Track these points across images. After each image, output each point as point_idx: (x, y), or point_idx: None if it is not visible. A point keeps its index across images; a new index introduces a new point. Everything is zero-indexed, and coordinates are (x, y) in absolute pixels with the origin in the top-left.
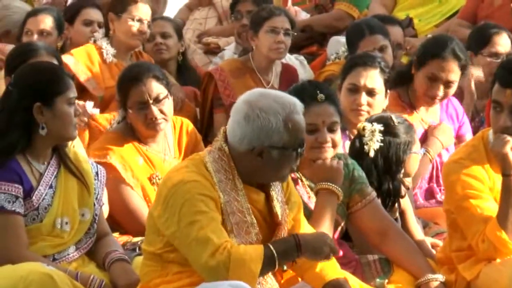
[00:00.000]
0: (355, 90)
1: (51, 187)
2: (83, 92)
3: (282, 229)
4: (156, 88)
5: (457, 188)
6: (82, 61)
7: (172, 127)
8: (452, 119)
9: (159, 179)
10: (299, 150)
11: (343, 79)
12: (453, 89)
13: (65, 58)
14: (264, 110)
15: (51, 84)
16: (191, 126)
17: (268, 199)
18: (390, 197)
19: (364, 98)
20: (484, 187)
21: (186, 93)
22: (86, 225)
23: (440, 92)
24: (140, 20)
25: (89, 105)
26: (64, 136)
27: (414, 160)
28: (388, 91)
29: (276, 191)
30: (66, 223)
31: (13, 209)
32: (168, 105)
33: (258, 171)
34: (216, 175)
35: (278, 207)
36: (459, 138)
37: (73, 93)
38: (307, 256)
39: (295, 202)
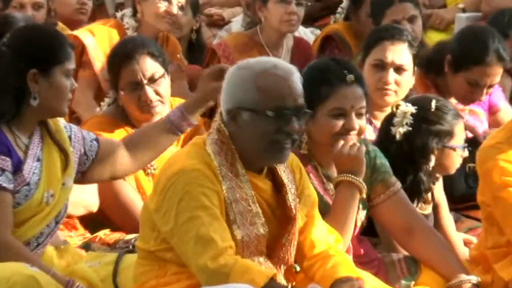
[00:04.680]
0: (382, 66)
1: (38, 160)
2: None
3: (296, 224)
4: (151, 66)
5: (494, 176)
6: (102, 47)
7: (169, 109)
8: None
9: (154, 169)
10: (269, 114)
11: (366, 54)
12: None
13: (84, 36)
14: (240, 67)
15: (52, 51)
16: None
17: (277, 190)
18: (413, 191)
19: (391, 75)
20: None
21: (194, 74)
22: (68, 192)
23: (483, 96)
24: (168, 0)
25: None
26: (56, 111)
27: (453, 156)
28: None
29: (288, 182)
30: (52, 195)
31: None
32: (164, 85)
33: (241, 142)
34: (216, 158)
35: (291, 200)
36: (491, 109)
37: (72, 64)
38: None
39: (309, 196)
